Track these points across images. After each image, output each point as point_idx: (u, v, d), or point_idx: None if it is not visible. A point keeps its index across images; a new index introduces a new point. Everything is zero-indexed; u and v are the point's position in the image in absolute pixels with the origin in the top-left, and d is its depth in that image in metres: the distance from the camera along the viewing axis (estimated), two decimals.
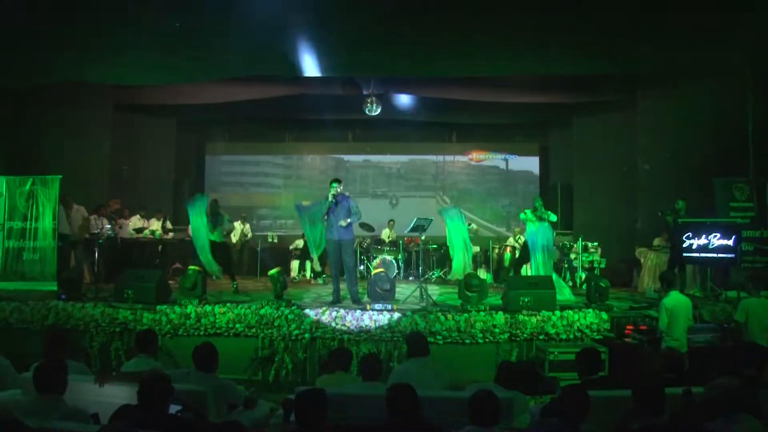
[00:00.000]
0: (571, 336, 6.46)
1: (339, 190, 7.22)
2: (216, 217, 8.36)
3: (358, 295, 7.30)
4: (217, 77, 9.80)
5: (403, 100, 11.14)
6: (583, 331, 6.48)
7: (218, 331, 6.47)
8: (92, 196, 9.49)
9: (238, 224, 11.57)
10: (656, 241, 9.32)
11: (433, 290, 8.93)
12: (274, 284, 7.04)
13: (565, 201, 12.03)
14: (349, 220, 7.15)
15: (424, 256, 9.88)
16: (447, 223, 7.90)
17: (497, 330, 6.40)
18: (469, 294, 6.80)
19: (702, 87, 9.10)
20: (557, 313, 6.57)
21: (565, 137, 12.38)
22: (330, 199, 7.17)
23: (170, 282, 8.04)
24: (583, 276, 9.83)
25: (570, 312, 6.60)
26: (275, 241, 11.63)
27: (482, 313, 6.54)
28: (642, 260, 9.38)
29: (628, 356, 6.04)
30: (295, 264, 10.70)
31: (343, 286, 7.45)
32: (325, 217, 7.27)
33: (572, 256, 10.24)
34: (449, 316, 6.47)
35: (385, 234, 11.46)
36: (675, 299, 5.95)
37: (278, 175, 13.78)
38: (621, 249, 10.39)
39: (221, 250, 8.42)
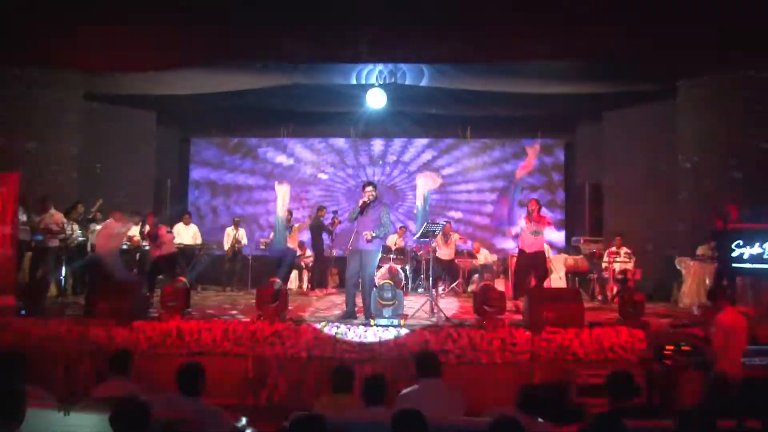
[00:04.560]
0: (603, 356, 6.39)
1: (373, 195, 7.34)
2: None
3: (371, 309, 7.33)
4: (206, 64, 9.80)
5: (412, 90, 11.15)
6: (615, 350, 6.42)
7: (203, 350, 6.44)
8: (59, 197, 9.43)
9: (230, 230, 11.62)
10: (700, 250, 9.24)
11: (445, 303, 8.90)
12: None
13: (594, 203, 12.00)
14: (374, 234, 7.20)
15: (435, 265, 9.86)
16: None
17: (518, 349, 6.36)
18: (486, 308, 6.77)
19: (757, 68, 8.98)
20: (586, 330, 6.52)
21: (594, 131, 12.33)
22: (360, 203, 7.32)
23: (149, 294, 8.04)
24: (615, 288, 9.79)
25: (601, 329, 6.54)
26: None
27: (501, 330, 6.50)
28: (683, 271, 9.31)
29: (669, 380, 5.97)
30: (292, 274, 10.71)
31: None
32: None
33: (602, 265, 10.20)
34: (463, 333, 6.42)
35: (392, 241, 11.43)
36: (731, 316, 5.87)
37: (272, 175, 13.74)
38: (659, 258, 10.32)
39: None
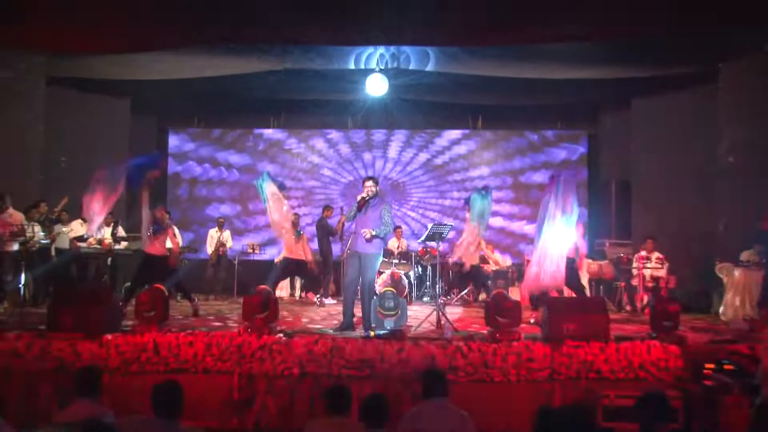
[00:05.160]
0: (632, 375, 6.35)
1: (374, 191, 7.33)
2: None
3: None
4: (190, 46, 9.76)
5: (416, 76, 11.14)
6: (647, 368, 6.38)
7: (183, 366, 6.41)
8: (19, 194, 9.43)
9: (214, 231, 11.66)
10: (745, 255, 9.19)
11: (454, 314, 8.88)
12: None
13: (621, 202, 12.02)
14: (374, 232, 7.20)
15: (443, 271, 9.84)
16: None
17: (535, 365, 6.34)
18: (500, 319, 6.73)
19: None
20: (612, 344, 6.49)
21: (620, 121, 12.34)
22: (358, 199, 7.32)
23: (121, 304, 8.01)
24: (646, 298, 9.76)
25: (630, 344, 6.51)
26: (256, 251, 11.62)
27: (516, 344, 6.48)
28: (725, 279, 9.26)
29: (709, 404, 5.92)
30: (282, 282, 10.72)
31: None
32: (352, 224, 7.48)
33: (631, 272, 10.16)
34: (474, 347, 6.40)
35: (393, 244, 11.41)
36: None
37: (258, 171, 13.73)
38: (696, 264, 10.27)
39: (160, 264, 8.49)
